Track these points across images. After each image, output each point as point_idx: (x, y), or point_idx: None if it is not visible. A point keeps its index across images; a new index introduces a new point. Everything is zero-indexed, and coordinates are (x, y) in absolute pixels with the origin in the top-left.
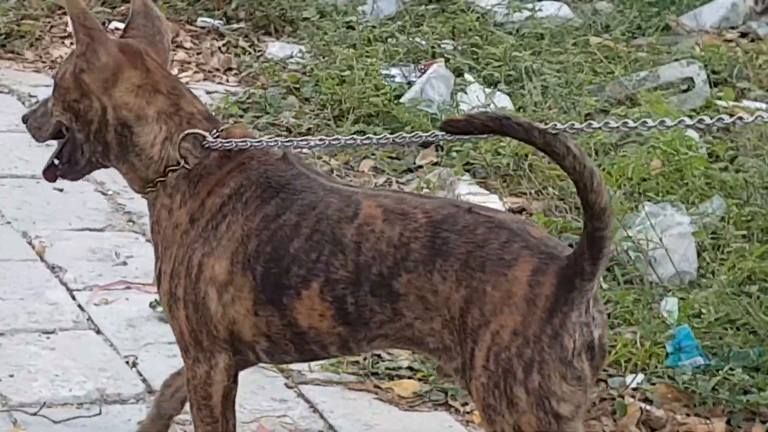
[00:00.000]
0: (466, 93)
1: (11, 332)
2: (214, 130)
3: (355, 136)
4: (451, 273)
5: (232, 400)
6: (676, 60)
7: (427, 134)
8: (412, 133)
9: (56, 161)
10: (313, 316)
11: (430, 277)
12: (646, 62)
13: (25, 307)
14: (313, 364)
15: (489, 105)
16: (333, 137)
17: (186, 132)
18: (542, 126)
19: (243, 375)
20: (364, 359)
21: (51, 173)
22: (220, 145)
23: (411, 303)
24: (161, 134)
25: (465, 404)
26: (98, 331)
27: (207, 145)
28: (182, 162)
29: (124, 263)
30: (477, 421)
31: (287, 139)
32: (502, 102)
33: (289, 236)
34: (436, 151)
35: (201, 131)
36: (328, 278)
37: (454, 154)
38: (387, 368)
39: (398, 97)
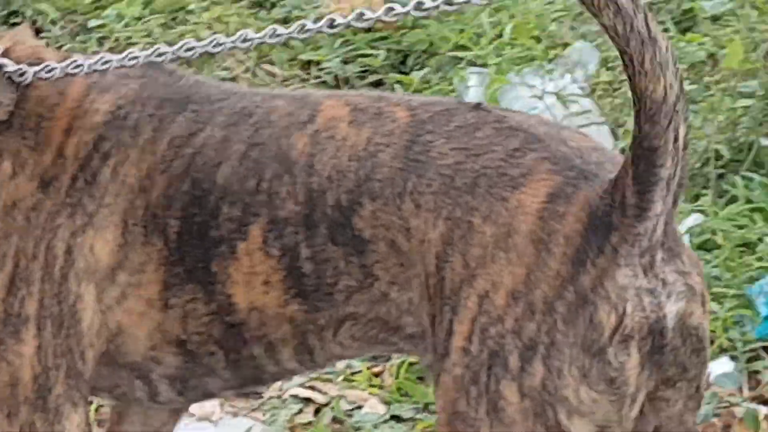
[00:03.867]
0: None
1: None
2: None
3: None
4: (428, 196)
5: None
6: None
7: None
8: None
9: None
10: (255, 284)
11: (401, 204)
12: None
13: None
14: None
15: None
16: (211, 41)
17: None
18: None
19: None
20: None
21: None
22: (43, 74)
23: (382, 254)
24: None
25: None
26: None
27: (25, 80)
28: None
29: None
30: None
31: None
32: None
33: (215, 160)
34: None
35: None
36: (274, 217)
37: None
38: None
39: None
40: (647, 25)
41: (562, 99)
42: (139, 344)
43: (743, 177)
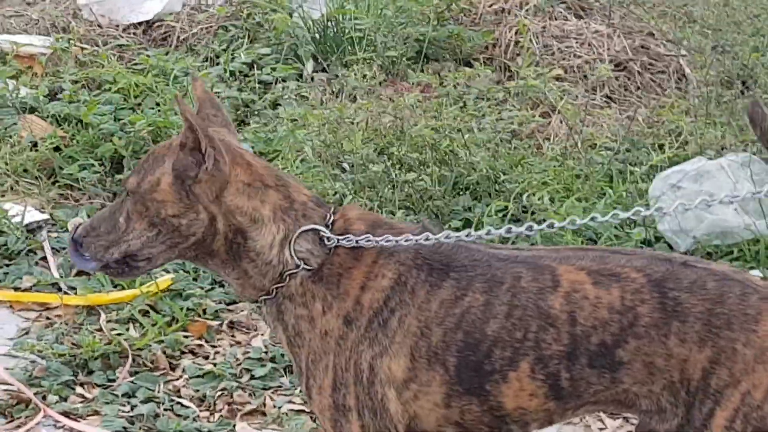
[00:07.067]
0: None
1: None
2: (329, 218)
3: (555, 221)
4: (692, 334)
5: None
6: None
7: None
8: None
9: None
10: (522, 396)
11: (666, 340)
12: None
13: None
14: None
15: None
16: (526, 226)
17: (301, 230)
18: None
19: None
20: None
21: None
22: (343, 242)
23: (635, 370)
24: (279, 234)
25: None
26: None
27: (331, 244)
28: (301, 264)
29: None
30: None
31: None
32: None
33: (482, 318)
34: None
35: (319, 227)
36: (540, 356)
37: None
38: None
39: None
40: None
41: None
42: (429, 423)
43: None
